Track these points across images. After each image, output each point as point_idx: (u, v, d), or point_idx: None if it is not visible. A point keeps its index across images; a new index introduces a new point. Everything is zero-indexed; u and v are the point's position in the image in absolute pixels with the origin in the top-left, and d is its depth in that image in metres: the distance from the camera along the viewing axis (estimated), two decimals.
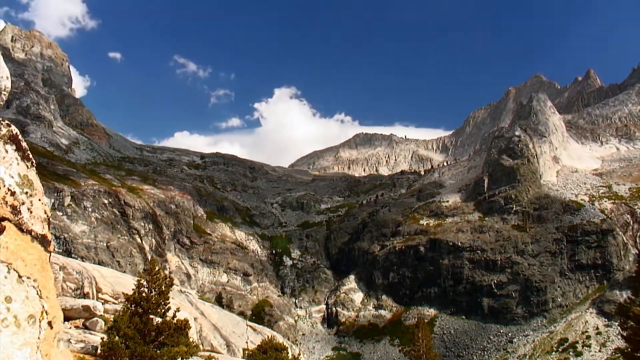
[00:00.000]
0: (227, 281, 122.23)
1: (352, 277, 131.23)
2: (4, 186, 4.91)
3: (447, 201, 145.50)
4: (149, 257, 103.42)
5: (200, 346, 21.83)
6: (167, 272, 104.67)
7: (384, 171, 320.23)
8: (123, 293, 18.35)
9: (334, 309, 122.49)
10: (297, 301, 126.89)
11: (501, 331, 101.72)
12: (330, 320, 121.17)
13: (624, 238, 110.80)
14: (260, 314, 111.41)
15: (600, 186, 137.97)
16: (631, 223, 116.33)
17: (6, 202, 4.89)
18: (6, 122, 5.33)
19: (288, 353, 26.47)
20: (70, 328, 15.56)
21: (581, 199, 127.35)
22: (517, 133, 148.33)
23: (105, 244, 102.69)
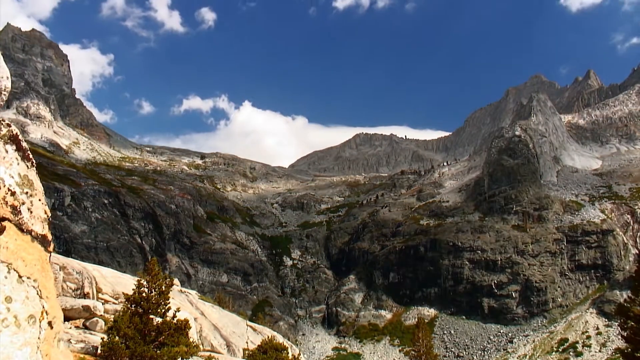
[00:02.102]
0: (227, 281, 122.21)
1: (352, 277, 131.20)
2: (4, 186, 4.91)
3: (447, 201, 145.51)
4: (149, 257, 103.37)
5: (201, 346, 21.83)
6: (167, 272, 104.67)
7: (384, 171, 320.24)
8: (123, 293, 18.34)
9: (334, 309, 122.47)
10: (297, 301, 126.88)
11: (501, 331, 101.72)
12: (330, 320, 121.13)
13: (624, 238, 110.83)
14: (260, 314, 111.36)
15: (601, 186, 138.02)
16: (631, 223, 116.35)
17: (6, 202, 4.89)
18: (6, 122, 5.33)
19: (288, 353, 26.44)
20: (70, 328, 15.55)
21: (581, 199, 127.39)
22: (517, 133, 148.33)
23: (105, 244, 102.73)
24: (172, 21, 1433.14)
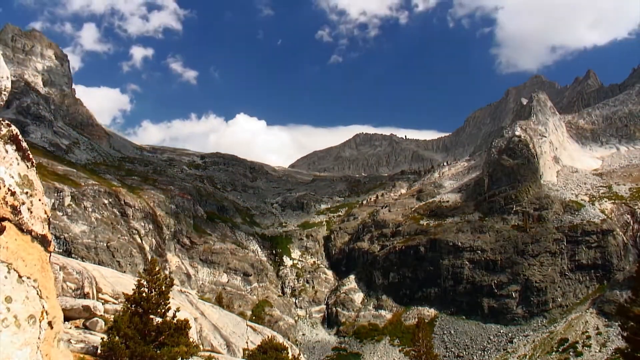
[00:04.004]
0: (227, 281, 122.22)
1: (352, 277, 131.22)
2: (4, 186, 4.91)
3: (447, 201, 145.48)
4: (149, 257, 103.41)
5: (201, 346, 21.83)
6: (167, 272, 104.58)
7: (384, 171, 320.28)
8: (123, 293, 18.34)
9: (334, 309, 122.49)
10: (297, 301, 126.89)
11: (501, 331, 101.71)
12: (330, 320, 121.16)
13: (624, 238, 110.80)
14: (260, 314, 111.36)
15: (601, 186, 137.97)
16: (631, 223, 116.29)
17: (6, 202, 4.89)
18: (6, 122, 5.33)
19: (288, 353, 26.47)
20: (70, 328, 15.55)
21: (581, 199, 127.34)
22: (517, 133, 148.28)
23: (105, 244, 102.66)
24: (188, 75, 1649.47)
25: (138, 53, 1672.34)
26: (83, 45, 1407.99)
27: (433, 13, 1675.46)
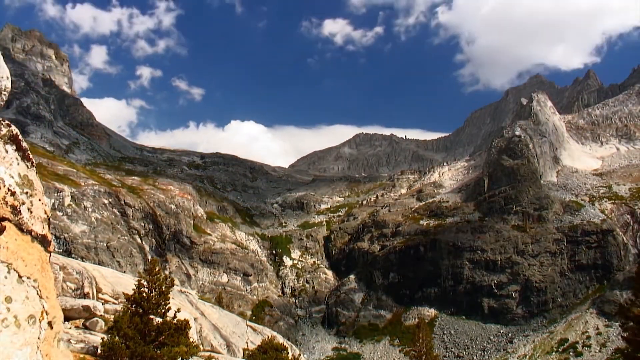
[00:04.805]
0: (227, 281, 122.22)
1: (352, 277, 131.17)
2: (4, 186, 4.90)
3: (447, 201, 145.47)
4: (149, 257, 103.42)
5: (201, 346, 21.82)
6: (167, 272, 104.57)
7: (384, 171, 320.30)
8: (123, 293, 18.34)
9: (334, 309, 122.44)
10: (297, 301, 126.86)
11: (501, 331, 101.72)
12: (330, 320, 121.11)
13: (624, 238, 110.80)
14: (260, 314, 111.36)
15: (601, 186, 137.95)
16: (631, 223, 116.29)
17: (6, 202, 4.89)
18: (6, 122, 5.33)
19: (288, 353, 26.47)
20: (70, 328, 15.54)
21: (581, 199, 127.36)
22: (517, 133, 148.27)
23: (105, 244, 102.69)
24: (193, 92, 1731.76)
25: (145, 72, 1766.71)
26: (91, 64, 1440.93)
27: (413, 42, 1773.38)
